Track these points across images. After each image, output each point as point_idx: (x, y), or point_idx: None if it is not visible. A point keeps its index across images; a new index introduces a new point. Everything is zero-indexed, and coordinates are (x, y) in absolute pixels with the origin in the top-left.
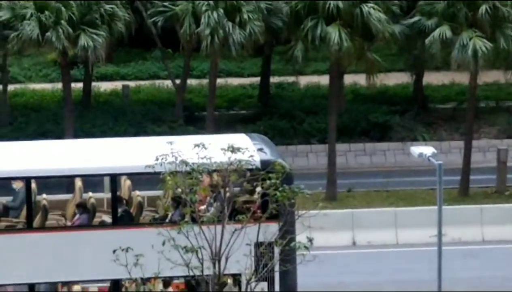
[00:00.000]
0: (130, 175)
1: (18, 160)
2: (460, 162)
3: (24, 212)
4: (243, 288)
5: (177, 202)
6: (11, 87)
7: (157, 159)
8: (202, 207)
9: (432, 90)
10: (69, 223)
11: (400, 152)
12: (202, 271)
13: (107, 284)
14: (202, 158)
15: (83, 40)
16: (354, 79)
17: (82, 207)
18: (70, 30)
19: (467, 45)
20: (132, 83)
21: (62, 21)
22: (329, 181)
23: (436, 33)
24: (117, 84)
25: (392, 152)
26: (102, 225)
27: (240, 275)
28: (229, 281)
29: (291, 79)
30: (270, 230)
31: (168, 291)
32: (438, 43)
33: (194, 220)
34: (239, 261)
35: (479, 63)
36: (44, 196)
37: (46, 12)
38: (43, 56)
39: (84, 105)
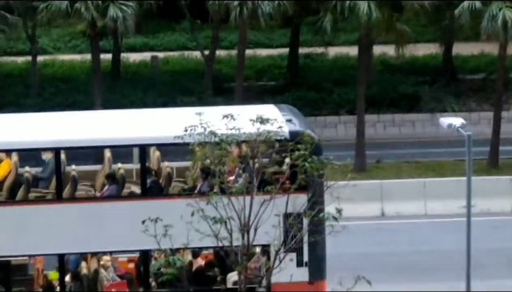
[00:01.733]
0: (159, 146)
1: (47, 131)
2: (489, 132)
3: (53, 183)
4: (272, 259)
5: (206, 173)
6: (40, 58)
7: (186, 130)
8: (231, 178)
9: (461, 61)
10: (98, 194)
11: (429, 123)
12: (231, 242)
13: (136, 255)
14: (230, 129)
15: (112, 11)
16: (383, 50)
17: (111, 177)
18: (99, 1)
19: (496, 16)
20: (161, 54)
21: None
22: (358, 152)
23: (466, 4)
24: (146, 55)
25: (421, 122)
26: (131, 196)
27: (269, 246)
28: (258, 250)
29: (320, 50)
30: (299, 201)
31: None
32: (468, 14)
33: (223, 191)
34: (268, 232)
35: (508, 34)
36: (73, 166)
37: None
38: (72, 27)
39: (113, 77)
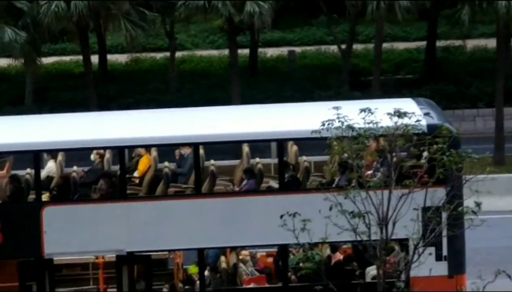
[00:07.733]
0: (296, 140)
1: (187, 126)
2: None
3: (192, 178)
4: (410, 253)
5: (344, 167)
6: (178, 54)
7: (323, 124)
8: (369, 172)
9: None
10: (236, 189)
11: None
12: (369, 236)
13: (275, 249)
14: (368, 123)
15: (249, 6)
16: None
17: (249, 172)
18: None
19: None
20: (298, 49)
21: None
22: (497, 145)
23: None
24: (283, 50)
25: None
26: (269, 190)
27: (407, 240)
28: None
29: (457, 42)
30: (438, 195)
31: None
32: None
33: (361, 185)
34: (406, 226)
35: None
36: (212, 161)
37: None
38: (210, 22)
39: (251, 71)
